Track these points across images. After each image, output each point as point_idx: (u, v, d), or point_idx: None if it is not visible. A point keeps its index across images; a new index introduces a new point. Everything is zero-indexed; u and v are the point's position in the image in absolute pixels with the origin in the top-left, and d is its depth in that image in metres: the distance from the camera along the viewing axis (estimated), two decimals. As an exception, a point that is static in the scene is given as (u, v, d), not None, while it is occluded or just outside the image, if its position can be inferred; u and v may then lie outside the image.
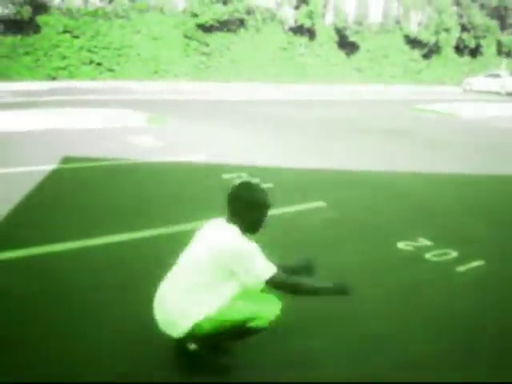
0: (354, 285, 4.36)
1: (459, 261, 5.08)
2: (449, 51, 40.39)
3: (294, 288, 3.06)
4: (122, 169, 8.42)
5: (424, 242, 5.55)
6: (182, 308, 2.96)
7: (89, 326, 3.66)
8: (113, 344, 3.45)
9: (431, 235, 5.72)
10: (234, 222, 3.07)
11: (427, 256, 5.18)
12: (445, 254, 5.25)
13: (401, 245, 5.45)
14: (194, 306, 2.95)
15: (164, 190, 7.29)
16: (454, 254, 5.25)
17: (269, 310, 3.04)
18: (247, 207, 3.05)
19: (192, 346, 3.15)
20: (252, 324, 3.01)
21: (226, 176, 7.93)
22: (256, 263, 2.96)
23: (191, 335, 3.01)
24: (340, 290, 3.15)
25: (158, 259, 4.77)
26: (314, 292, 3.18)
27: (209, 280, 2.96)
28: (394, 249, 5.37)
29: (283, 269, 3.21)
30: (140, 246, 5.23)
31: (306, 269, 3.39)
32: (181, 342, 3.12)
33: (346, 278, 4.53)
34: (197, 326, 2.95)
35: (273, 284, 2.98)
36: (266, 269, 2.97)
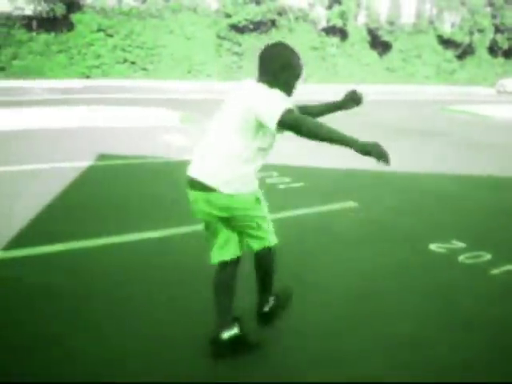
0: (383, 285, 4.43)
1: (493, 263, 5.03)
2: (482, 52, 39.88)
3: (311, 127, 2.80)
4: (154, 167, 8.54)
5: (457, 244, 5.51)
6: (215, 166, 3.04)
7: (129, 321, 3.72)
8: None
9: (465, 237, 5.67)
10: (264, 83, 2.96)
11: (460, 258, 5.14)
12: (478, 256, 5.20)
13: (433, 246, 5.42)
14: (225, 164, 3.00)
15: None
16: (487, 256, 5.20)
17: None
18: (281, 66, 2.95)
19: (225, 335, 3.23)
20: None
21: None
22: (277, 102, 2.79)
23: (210, 203, 3.08)
24: (371, 149, 2.87)
25: (191, 255, 4.84)
26: (334, 137, 2.88)
27: (236, 132, 2.94)
28: (426, 250, 5.33)
29: (325, 106, 3.65)
30: (172, 242, 5.29)
31: (352, 100, 3.48)
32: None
33: (377, 279, 4.59)
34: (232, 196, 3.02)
35: (289, 120, 2.75)
36: (284, 104, 2.77)
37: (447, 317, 4.00)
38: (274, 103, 2.78)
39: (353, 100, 3.51)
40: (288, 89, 3.03)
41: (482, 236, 5.86)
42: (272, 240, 3.27)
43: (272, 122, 2.76)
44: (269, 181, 7.74)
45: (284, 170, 8.30)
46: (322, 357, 3.35)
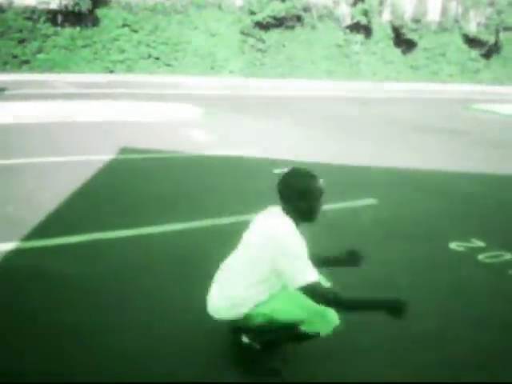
0: (404, 284, 4.44)
1: (512, 263, 5.02)
2: (508, 51, 39.37)
3: (334, 302, 2.86)
4: (176, 161, 8.63)
5: (477, 243, 5.50)
6: (233, 295, 2.97)
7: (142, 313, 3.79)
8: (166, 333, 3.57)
9: (484, 237, 5.66)
10: (287, 212, 2.98)
11: (480, 257, 5.14)
12: (498, 256, 5.19)
13: (453, 245, 5.41)
14: (245, 294, 2.94)
15: (215, 182, 7.42)
16: (507, 256, 5.19)
17: (323, 320, 2.97)
18: (298, 194, 2.93)
19: (245, 339, 3.13)
20: (304, 328, 2.95)
21: (276, 171, 8.00)
22: (299, 263, 2.83)
23: (244, 326, 3.03)
24: (392, 305, 2.89)
25: (207, 249, 4.91)
26: (357, 305, 2.96)
27: (257, 269, 2.92)
28: (445, 249, 5.34)
29: (326, 258, 3.30)
30: (193, 235, 5.36)
31: (351, 260, 3.35)
32: (236, 334, 3.15)
33: (397, 277, 4.61)
34: (249, 316, 2.96)
35: (310, 292, 2.81)
36: (308, 273, 2.81)
37: (465, 315, 4.01)
38: (298, 261, 2.82)
39: (352, 261, 3.40)
40: (310, 215, 3.01)
41: (502, 236, 5.85)
42: None
43: (296, 283, 2.81)
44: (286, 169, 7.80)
45: (305, 166, 8.31)
46: (342, 352, 3.39)
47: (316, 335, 3.00)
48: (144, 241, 5.16)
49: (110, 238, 5.15)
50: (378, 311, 2.91)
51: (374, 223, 6.06)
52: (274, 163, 8.51)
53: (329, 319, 2.97)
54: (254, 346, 3.12)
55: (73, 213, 5.87)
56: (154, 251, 4.91)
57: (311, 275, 2.81)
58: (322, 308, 2.91)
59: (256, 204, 6.17)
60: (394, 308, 2.87)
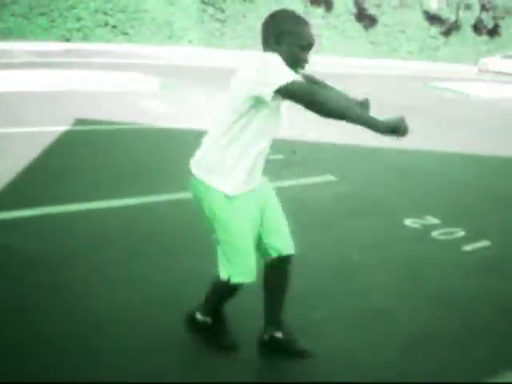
0: (357, 260, 4.45)
1: (466, 240, 5.07)
2: (467, 30, 39.87)
3: (319, 100, 2.39)
4: (131, 133, 8.43)
5: (431, 220, 5.54)
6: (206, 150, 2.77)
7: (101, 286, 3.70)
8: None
9: (439, 214, 5.70)
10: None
11: (434, 234, 5.17)
12: (452, 232, 5.24)
13: (408, 222, 5.44)
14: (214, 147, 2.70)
15: (169, 156, 7.26)
16: (461, 233, 5.24)
17: (239, 271, 2.71)
18: (278, 34, 2.54)
19: (198, 316, 3.05)
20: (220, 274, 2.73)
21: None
22: (279, 70, 2.40)
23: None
24: (397, 127, 2.48)
25: (156, 224, 4.82)
26: (344, 112, 2.48)
27: (226, 108, 2.63)
28: (400, 225, 5.36)
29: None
30: (148, 209, 5.25)
31: (361, 104, 2.97)
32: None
33: (351, 254, 4.61)
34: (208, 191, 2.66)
35: (292, 90, 2.37)
36: (288, 74, 2.38)
37: (416, 291, 4.03)
38: (271, 70, 2.40)
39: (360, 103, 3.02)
40: (292, 60, 2.54)
41: (457, 213, 5.90)
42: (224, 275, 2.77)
43: (267, 89, 2.37)
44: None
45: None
46: (293, 328, 3.36)
47: (227, 282, 2.73)
48: (95, 215, 5.03)
49: (60, 211, 5.00)
50: (374, 130, 2.49)
51: (332, 200, 6.05)
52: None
53: (243, 271, 2.71)
54: (207, 321, 3.05)
55: (23, 186, 5.68)
56: (104, 226, 4.78)
57: (290, 75, 2.39)
58: (246, 255, 2.69)
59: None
60: (402, 130, 2.49)
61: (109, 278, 3.83)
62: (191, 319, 3.11)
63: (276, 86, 2.36)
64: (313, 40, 2.60)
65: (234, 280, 2.72)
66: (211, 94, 13.03)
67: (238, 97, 2.55)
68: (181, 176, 6.22)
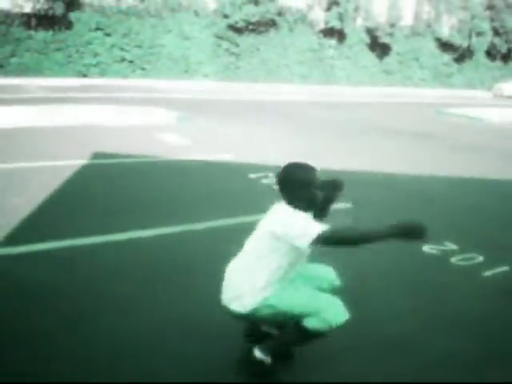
0: (376, 286, 4.45)
1: (485, 265, 5.05)
2: (480, 56, 39.93)
3: (349, 237, 3.03)
4: (150, 166, 8.55)
5: (450, 245, 5.53)
6: (241, 286, 3.02)
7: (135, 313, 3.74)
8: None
9: (457, 239, 5.69)
10: (292, 204, 3.06)
11: (452, 260, 5.16)
12: (470, 258, 5.22)
13: (426, 248, 5.44)
14: (250, 284, 3.00)
15: (190, 187, 7.37)
16: (479, 258, 5.23)
17: (332, 314, 2.95)
18: (298, 184, 3.05)
19: (257, 353, 3.09)
20: (309, 324, 2.93)
21: (252, 175, 7.98)
22: (308, 224, 2.92)
23: (252, 319, 3.08)
24: (406, 229, 2.93)
25: (179, 256, 4.86)
26: (371, 236, 3.04)
27: (264, 255, 3.01)
28: (418, 252, 5.35)
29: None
30: (163, 242, 5.30)
31: (332, 185, 3.40)
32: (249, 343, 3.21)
33: (370, 279, 4.61)
34: (255, 309, 2.98)
35: (325, 239, 2.86)
36: (317, 226, 2.89)
37: (436, 317, 4.02)
38: (301, 223, 2.91)
39: (335, 189, 3.45)
40: (313, 202, 3.12)
41: (475, 238, 5.89)
42: None
43: (303, 241, 2.86)
44: (264, 181, 7.76)
45: (279, 171, 8.32)
46: (311, 356, 3.37)
47: (322, 333, 2.98)
48: (116, 247, 5.09)
49: (83, 244, 5.07)
50: (397, 237, 2.93)
51: (349, 225, 6.06)
52: (248, 167, 8.50)
53: (337, 312, 2.98)
54: (265, 361, 3.09)
55: (45, 219, 5.78)
56: (127, 258, 4.84)
57: (317, 227, 2.88)
58: (331, 301, 3.00)
59: (230, 209, 6.14)
60: (413, 230, 2.92)
61: (121, 309, 3.87)
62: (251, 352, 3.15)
63: (312, 236, 2.84)
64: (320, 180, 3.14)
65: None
66: (226, 126, 13.19)
67: (261, 243, 3.07)
68: (197, 207, 6.32)
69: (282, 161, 8.49)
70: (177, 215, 6.03)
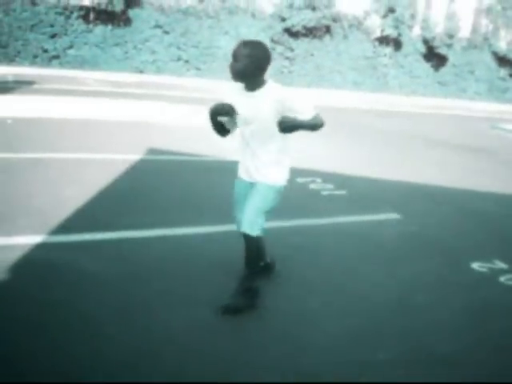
0: (422, 302, 4.44)
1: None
2: (538, 72, 39.02)
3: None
4: (201, 165, 8.69)
5: (499, 264, 5.48)
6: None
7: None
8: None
9: (507, 258, 5.63)
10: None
11: (502, 279, 5.12)
12: (520, 278, 5.17)
13: (475, 265, 5.40)
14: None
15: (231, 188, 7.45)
16: (529, 278, 5.17)
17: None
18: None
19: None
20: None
21: (300, 180, 8.03)
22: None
23: None
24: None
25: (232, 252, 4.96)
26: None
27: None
28: (467, 269, 5.33)
29: None
30: (212, 239, 5.40)
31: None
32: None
33: (416, 295, 4.61)
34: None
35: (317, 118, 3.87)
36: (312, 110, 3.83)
37: (482, 337, 4.01)
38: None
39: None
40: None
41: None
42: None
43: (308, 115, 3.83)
44: (312, 186, 7.81)
45: (328, 177, 8.35)
46: (353, 367, 3.41)
47: None
48: (161, 242, 5.22)
49: (135, 236, 5.22)
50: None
51: (397, 238, 6.06)
52: (297, 172, 8.53)
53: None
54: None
55: (98, 210, 5.95)
56: (173, 253, 4.96)
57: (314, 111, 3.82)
58: None
59: (278, 213, 6.21)
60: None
61: (169, 302, 3.98)
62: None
63: (312, 114, 3.92)
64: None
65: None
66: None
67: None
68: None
69: (330, 167, 8.57)
70: (221, 215, 6.11)
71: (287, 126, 3.71)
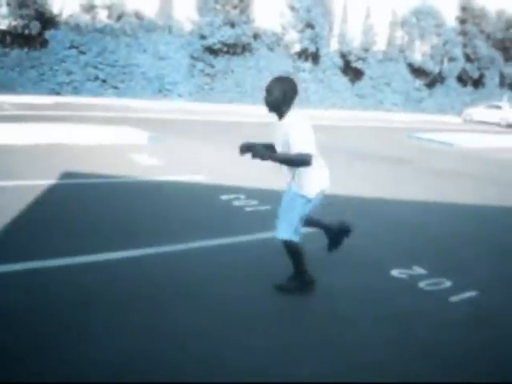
0: (342, 311, 4.44)
1: (453, 291, 5.07)
2: (451, 81, 40.68)
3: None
4: (120, 186, 8.47)
5: (418, 270, 5.55)
6: None
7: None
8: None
9: (426, 264, 5.72)
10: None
11: (420, 285, 5.18)
12: (438, 283, 5.25)
13: (395, 272, 5.45)
14: None
15: (160, 209, 7.31)
16: (447, 283, 5.25)
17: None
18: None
19: None
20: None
21: (223, 197, 7.96)
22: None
23: None
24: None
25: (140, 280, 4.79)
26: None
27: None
28: (387, 276, 5.37)
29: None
30: (132, 264, 5.24)
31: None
32: None
33: (337, 304, 4.61)
34: None
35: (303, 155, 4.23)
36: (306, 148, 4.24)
37: (404, 344, 4.02)
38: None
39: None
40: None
41: (443, 263, 5.93)
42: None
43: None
44: (235, 203, 7.74)
45: (252, 193, 8.31)
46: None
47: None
48: (78, 270, 5.01)
49: (45, 266, 4.97)
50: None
51: (317, 249, 6.04)
52: (220, 189, 8.48)
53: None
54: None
55: (11, 240, 5.66)
56: (87, 281, 4.76)
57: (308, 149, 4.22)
58: None
59: (202, 231, 6.09)
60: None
61: (86, 333, 3.80)
62: None
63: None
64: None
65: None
66: (199, 147, 13.18)
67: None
68: (166, 229, 6.26)
69: (253, 183, 8.52)
70: (142, 237, 5.97)
71: (256, 156, 4.28)
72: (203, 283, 4.76)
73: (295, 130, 4.23)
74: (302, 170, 4.36)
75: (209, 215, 7.06)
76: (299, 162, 4.24)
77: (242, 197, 8.09)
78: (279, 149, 4.42)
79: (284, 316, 4.33)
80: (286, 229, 4.49)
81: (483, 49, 41.15)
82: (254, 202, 7.84)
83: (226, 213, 7.25)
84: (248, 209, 7.53)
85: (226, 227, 6.47)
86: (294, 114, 4.35)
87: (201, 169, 10.13)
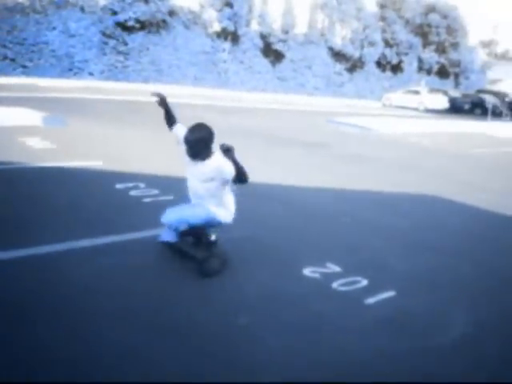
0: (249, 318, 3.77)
1: (368, 291, 4.53)
2: (371, 66, 40.98)
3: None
4: (6, 174, 7.44)
5: (332, 267, 4.97)
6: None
7: None
8: None
9: (340, 260, 5.15)
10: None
11: (334, 285, 4.60)
12: (354, 282, 4.69)
13: (307, 271, 4.85)
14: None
15: (40, 200, 6.32)
16: (363, 282, 4.71)
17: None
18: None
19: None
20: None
21: (119, 186, 7.10)
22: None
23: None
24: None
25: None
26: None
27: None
28: (299, 276, 4.75)
29: None
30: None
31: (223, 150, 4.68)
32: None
33: (241, 309, 3.94)
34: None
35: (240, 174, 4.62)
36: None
37: (312, 357, 3.43)
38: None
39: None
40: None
41: (359, 259, 5.39)
42: None
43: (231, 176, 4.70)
44: (133, 193, 6.89)
45: (153, 181, 7.48)
46: None
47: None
48: None
49: None
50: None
51: (226, 245, 5.34)
52: (118, 176, 7.60)
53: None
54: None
55: None
56: None
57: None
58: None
59: (86, 228, 5.22)
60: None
61: None
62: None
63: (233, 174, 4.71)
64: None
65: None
66: (102, 129, 12.12)
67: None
68: (43, 225, 5.37)
69: (156, 170, 7.65)
70: (10, 237, 5.08)
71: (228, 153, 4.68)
72: (75, 295, 3.96)
73: (226, 167, 4.59)
74: (227, 198, 4.89)
75: (98, 208, 6.16)
76: (245, 176, 4.68)
77: (142, 185, 7.25)
78: (195, 184, 4.72)
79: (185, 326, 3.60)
80: (181, 217, 4.58)
81: (402, 34, 41.67)
82: (155, 192, 7.01)
83: (119, 205, 6.40)
84: (146, 199, 6.67)
85: (115, 223, 5.61)
86: (216, 155, 4.71)
87: (99, 153, 9.09)
